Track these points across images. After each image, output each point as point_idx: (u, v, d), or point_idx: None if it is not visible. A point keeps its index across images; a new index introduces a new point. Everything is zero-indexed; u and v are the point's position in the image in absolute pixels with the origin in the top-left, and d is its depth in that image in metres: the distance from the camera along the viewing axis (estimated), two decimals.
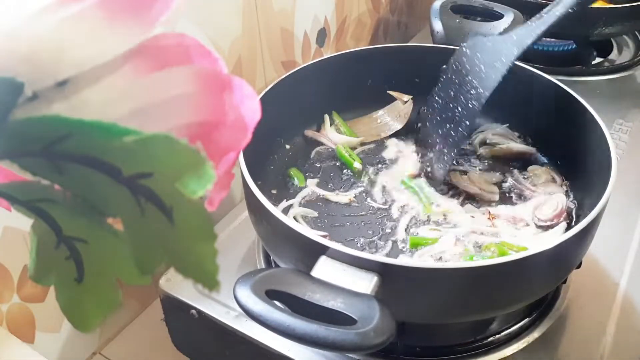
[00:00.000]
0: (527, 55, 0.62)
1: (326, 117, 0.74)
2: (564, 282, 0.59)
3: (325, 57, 0.72)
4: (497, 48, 0.63)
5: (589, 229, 0.49)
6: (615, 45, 1.04)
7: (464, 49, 0.66)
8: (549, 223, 0.60)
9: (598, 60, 0.99)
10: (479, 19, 0.79)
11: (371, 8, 1.06)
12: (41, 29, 0.19)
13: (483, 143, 0.72)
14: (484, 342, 0.55)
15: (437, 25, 0.76)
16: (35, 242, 0.22)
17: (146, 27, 0.20)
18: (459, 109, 0.63)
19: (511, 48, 0.62)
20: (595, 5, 1.00)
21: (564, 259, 0.51)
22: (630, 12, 0.91)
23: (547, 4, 0.90)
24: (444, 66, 0.74)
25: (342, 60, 0.72)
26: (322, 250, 0.46)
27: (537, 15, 0.64)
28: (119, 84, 0.20)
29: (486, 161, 0.70)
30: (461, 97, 0.63)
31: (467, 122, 0.62)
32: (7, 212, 0.23)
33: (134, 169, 0.19)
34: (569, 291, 0.59)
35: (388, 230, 0.61)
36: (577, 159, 0.65)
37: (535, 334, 0.55)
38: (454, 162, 0.68)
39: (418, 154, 0.70)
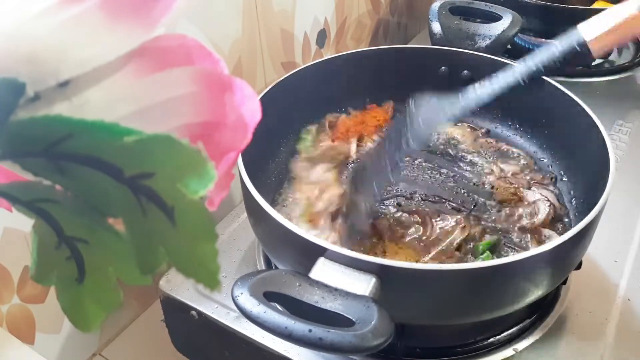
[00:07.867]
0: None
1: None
2: (564, 282, 0.59)
3: (325, 58, 0.72)
4: (440, 107, 0.63)
5: (587, 229, 0.49)
6: None
7: (411, 104, 0.65)
8: None
9: (598, 61, 0.99)
10: (477, 20, 0.79)
11: (371, 9, 1.06)
12: (43, 29, 0.19)
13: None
14: (484, 343, 0.55)
15: (436, 27, 0.76)
16: (36, 243, 0.22)
17: (147, 28, 0.20)
18: (387, 159, 0.62)
19: (453, 109, 0.63)
20: (596, 5, 1.00)
21: (563, 260, 0.51)
22: None
23: (545, 5, 0.91)
24: (443, 67, 0.74)
25: (342, 61, 0.72)
26: (321, 251, 0.46)
27: (488, 82, 0.63)
28: (121, 85, 0.20)
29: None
30: (393, 147, 0.62)
31: (390, 176, 0.61)
32: (7, 213, 0.23)
33: (135, 169, 0.19)
34: (569, 292, 0.59)
35: None
36: (576, 160, 0.65)
37: (535, 335, 0.55)
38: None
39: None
